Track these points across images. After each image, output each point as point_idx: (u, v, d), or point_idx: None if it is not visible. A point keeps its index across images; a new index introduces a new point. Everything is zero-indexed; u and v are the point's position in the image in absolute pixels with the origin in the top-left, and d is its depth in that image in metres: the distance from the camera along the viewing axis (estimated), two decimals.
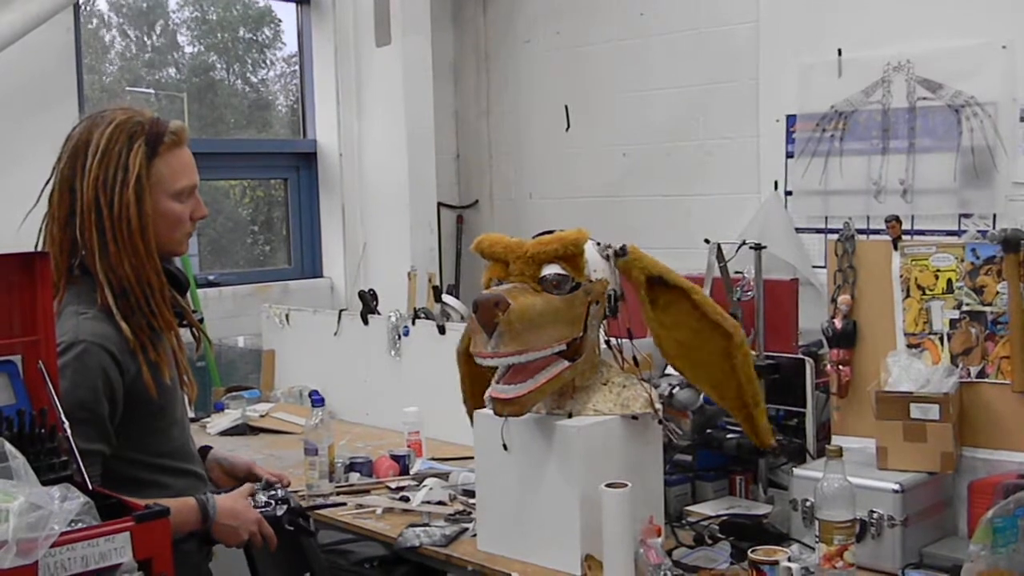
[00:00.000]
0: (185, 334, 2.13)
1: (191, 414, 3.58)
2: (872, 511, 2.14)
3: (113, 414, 1.93)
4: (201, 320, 2.21)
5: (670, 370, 2.72)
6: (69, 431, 1.64)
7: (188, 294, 2.15)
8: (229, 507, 2.02)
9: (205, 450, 2.30)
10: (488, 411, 2.19)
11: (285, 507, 2.15)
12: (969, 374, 2.31)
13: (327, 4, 4.72)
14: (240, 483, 2.29)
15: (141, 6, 4.58)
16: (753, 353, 2.65)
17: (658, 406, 2.26)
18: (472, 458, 2.47)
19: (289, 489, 2.29)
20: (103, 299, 1.94)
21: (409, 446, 3.03)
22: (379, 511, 2.61)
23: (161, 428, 2.04)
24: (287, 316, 3.99)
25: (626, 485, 2.10)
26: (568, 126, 4.60)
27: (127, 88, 4.59)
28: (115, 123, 1.98)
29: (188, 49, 4.81)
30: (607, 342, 2.32)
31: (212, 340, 4.03)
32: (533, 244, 2.17)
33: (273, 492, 2.19)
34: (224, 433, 3.54)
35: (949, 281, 2.35)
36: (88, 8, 4.30)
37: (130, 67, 4.67)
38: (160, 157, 2.01)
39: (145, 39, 4.66)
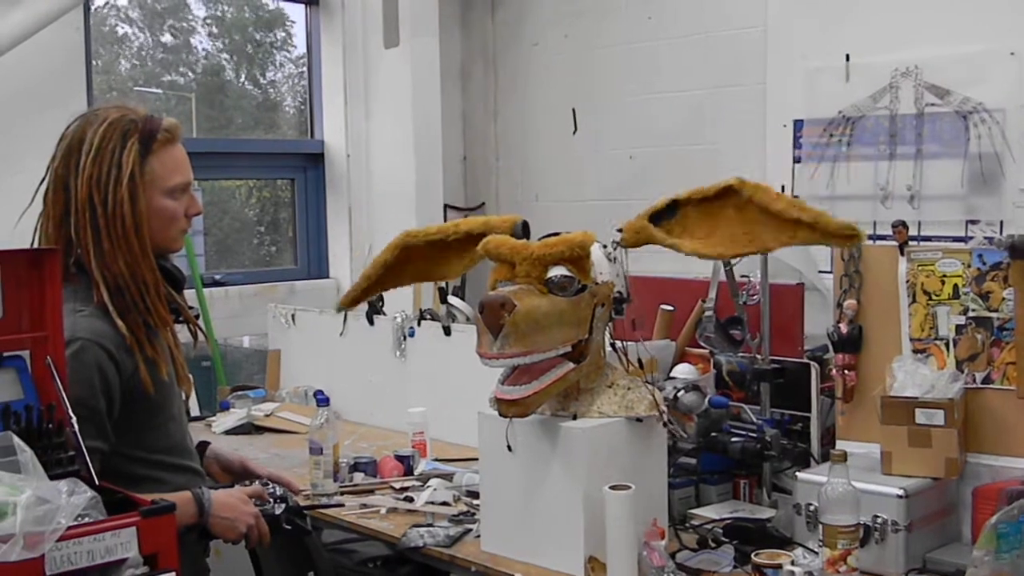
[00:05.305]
0: (183, 332, 2.14)
1: (195, 412, 3.64)
2: (876, 516, 2.14)
3: (111, 411, 1.93)
4: (197, 316, 2.21)
5: (675, 372, 2.73)
6: (76, 426, 1.65)
7: (185, 291, 2.15)
8: (224, 501, 2.01)
9: (203, 446, 2.30)
10: (492, 412, 2.20)
11: (284, 506, 2.14)
12: (974, 380, 2.31)
13: (336, 5, 4.73)
14: (236, 478, 2.29)
15: (154, 7, 4.59)
16: (759, 356, 2.67)
17: (663, 408, 2.26)
18: (476, 459, 2.48)
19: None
20: (99, 297, 1.95)
21: (413, 446, 3.04)
22: (383, 511, 2.62)
23: (158, 424, 2.04)
24: (293, 316, 3.99)
25: (630, 487, 2.10)
26: (575, 129, 4.61)
27: (135, 88, 4.60)
28: (108, 121, 1.98)
29: (200, 50, 4.82)
30: (612, 344, 2.32)
31: (218, 340, 4.05)
32: (539, 246, 2.18)
33: (272, 491, 2.19)
34: (229, 432, 3.55)
35: (955, 287, 2.34)
36: (102, 7, 4.31)
37: (141, 67, 4.68)
38: (154, 154, 2.01)
39: (158, 39, 4.67)
